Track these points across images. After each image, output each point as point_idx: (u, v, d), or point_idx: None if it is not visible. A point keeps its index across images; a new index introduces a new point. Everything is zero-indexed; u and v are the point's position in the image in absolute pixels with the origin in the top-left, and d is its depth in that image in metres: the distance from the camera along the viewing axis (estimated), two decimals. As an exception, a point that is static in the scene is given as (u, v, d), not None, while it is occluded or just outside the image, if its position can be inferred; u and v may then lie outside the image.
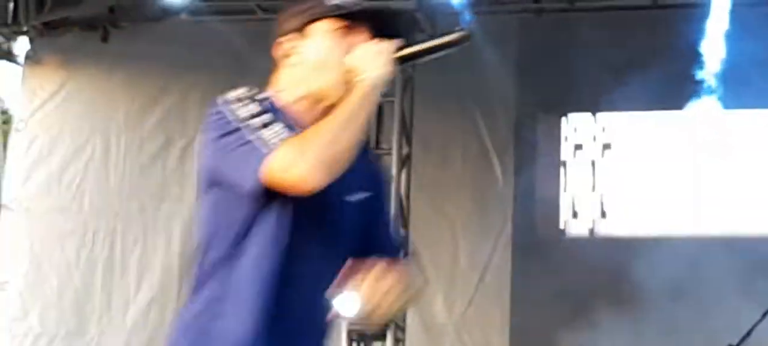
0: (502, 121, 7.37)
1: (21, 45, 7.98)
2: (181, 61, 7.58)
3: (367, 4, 2.49)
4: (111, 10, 7.49)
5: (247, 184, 2.20)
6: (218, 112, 2.26)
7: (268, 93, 2.38)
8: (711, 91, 7.40)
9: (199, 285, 2.35)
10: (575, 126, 7.33)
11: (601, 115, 7.40)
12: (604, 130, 7.51)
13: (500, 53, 7.07)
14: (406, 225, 6.90)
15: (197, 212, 2.40)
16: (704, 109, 7.51)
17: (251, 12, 7.28)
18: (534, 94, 7.40)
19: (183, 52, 7.58)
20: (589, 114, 7.35)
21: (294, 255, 2.36)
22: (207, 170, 2.37)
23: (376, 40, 2.35)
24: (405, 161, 7.04)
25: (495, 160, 7.31)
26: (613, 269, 6.72)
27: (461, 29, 2.41)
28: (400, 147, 7.01)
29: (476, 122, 7.36)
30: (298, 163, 2.17)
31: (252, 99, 2.28)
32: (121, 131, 7.69)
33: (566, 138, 7.40)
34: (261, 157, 2.17)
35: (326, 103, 2.31)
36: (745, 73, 7.01)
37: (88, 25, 7.73)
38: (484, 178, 7.36)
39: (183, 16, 7.47)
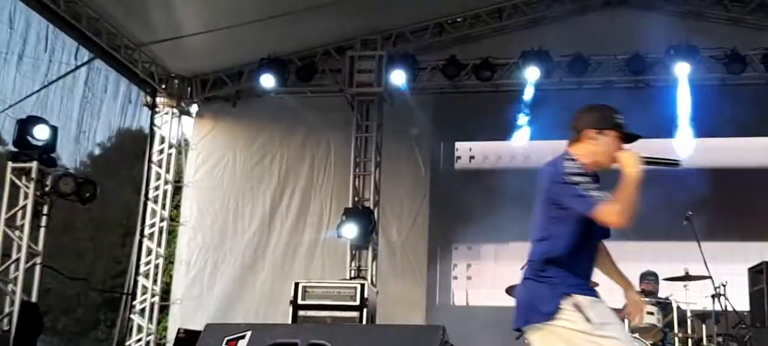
0: (425, 145, 12.43)
1: (193, 108, 12.88)
2: (270, 116, 12.61)
3: (630, 130, 4.11)
4: (237, 92, 12.63)
5: (587, 212, 3.82)
6: (564, 169, 3.91)
7: (573, 155, 4.02)
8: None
9: (544, 260, 4.01)
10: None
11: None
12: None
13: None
14: (378, 194, 11.86)
15: (538, 213, 4.04)
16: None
17: (303, 93, 12.41)
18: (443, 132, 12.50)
19: (271, 111, 12.59)
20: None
21: (587, 239, 4.04)
22: (553, 196, 3.98)
23: (629, 145, 4.02)
24: (378, 165, 12.03)
25: (420, 163, 12.36)
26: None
27: (677, 159, 4.19)
28: (376, 157, 11.99)
29: (414, 146, 12.41)
30: (618, 214, 3.80)
31: (578, 168, 3.91)
32: (241, 150, 12.72)
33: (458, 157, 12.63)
34: (594, 202, 3.81)
35: (600, 168, 4.02)
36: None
37: (225, 98, 12.78)
38: (415, 170, 12.39)
39: (272, 94, 12.16)
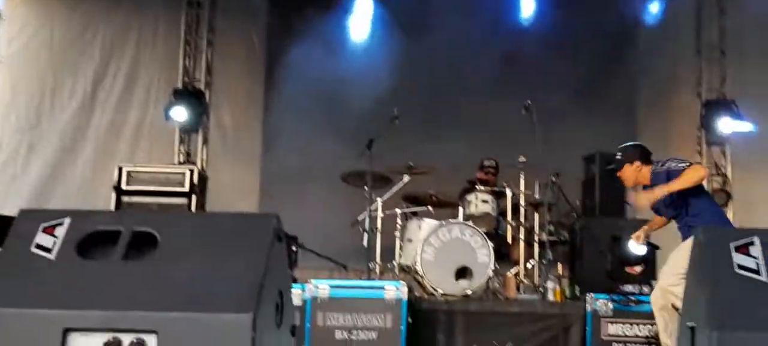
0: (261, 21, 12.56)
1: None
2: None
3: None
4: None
5: None
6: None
7: None
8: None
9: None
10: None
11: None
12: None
13: None
14: (210, 74, 11.97)
15: None
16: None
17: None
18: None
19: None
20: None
21: None
22: None
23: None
24: (210, 43, 12.20)
25: (255, 41, 12.14)
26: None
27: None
28: (207, 35, 12.07)
29: (248, 23, 12.58)
30: None
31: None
32: (59, 23, 12.09)
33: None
34: None
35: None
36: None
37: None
38: (250, 49, 12.21)
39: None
